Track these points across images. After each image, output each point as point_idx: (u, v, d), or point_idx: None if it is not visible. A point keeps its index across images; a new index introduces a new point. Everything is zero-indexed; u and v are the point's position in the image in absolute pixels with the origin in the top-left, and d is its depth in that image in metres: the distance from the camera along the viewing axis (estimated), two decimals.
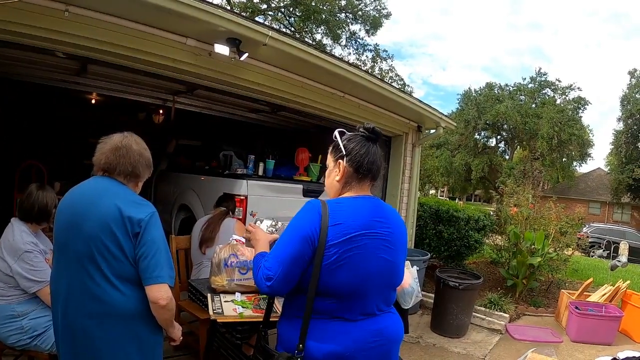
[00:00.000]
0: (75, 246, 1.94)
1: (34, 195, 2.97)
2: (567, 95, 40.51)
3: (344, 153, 1.91)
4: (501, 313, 6.31)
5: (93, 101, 8.21)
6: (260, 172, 6.22)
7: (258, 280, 1.84)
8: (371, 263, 1.81)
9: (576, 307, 5.99)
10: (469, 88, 47.75)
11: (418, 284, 3.58)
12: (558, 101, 40.25)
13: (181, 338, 2.29)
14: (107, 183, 2.07)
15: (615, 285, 6.64)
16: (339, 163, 1.92)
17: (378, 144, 1.98)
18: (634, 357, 3.16)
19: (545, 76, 41.98)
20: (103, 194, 2.00)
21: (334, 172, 1.95)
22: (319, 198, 1.91)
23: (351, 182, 1.92)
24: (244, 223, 5.22)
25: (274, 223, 2.48)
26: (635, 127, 37.90)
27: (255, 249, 2.07)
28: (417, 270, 4.36)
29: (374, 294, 1.85)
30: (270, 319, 2.19)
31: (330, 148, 2.00)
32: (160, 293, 1.95)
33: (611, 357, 3.25)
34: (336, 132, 1.96)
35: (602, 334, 5.82)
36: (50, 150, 8.70)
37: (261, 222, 2.47)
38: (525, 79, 44.50)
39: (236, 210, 4.91)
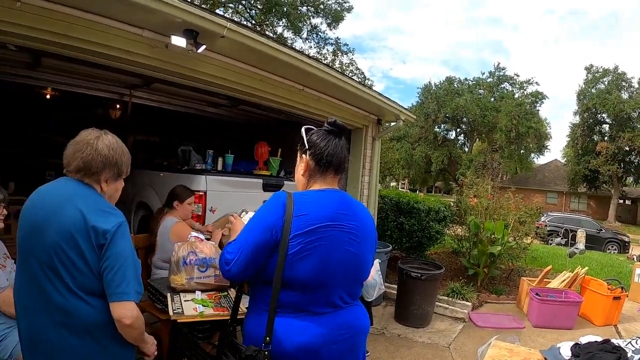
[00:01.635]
0: (39, 254, 1.80)
1: None
2: (525, 90, 41.64)
3: (307, 147, 1.95)
4: (464, 302, 6.41)
5: (48, 97, 7.95)
6: (220, 167, 6.12)
7: (219, 264, 1.88)
8: (336, 255, 1.83)
9: (537, 294, 6.13)
10: (429, 82, 48.63)
11: (381, 276, 3.59)
12: (516, 95, 41.30)
13: (155, 353, 2.14)
14: (74, 186, 1.91)
15: (574, 272, 6.83)
16: (303, 157, 1.97)
17: (342, 137, 2.01)
18: (595, 341, 3.22)
19: (503, 71, 43.11)
20: (68, 199, 1.85)
21: (300, 166, 2.00)
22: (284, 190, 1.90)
23: (315, 176, 1.95)
24: (203, 221, 5.13)
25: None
26: (590, 121, 39.36)
27: (230, 239, 2.06)
28: (380, 263, 4.40)
29: (339, 286, 1.86)
30: (238, 317, 2.16)
31: (299, 145, 2.03)
32: (125, 312, 1.81)
33: (573, 342, 3.31)
34: (302, 129, 2.00)
35: (562, 318, 5.99)
36: (3, 148, 8.37)
37: (246, 213, 2.46)
38: (484, 73, 45.50)
39: (195, 206, 4.77)
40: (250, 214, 2.37)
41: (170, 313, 2.64)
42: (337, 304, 1.88)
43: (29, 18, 3.16)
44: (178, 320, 2.62)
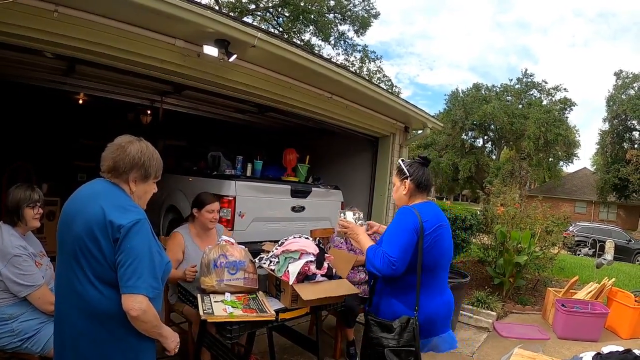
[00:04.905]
0: (67, 245, 1.96)
1: (9, 195, 2.96)
2: (553, 96, 40.99)
3: (408, 175, 2.75)
4: (488, 311, 6.37)
5: (80, 102, 8.16)
6: (249, 173, 6.22)
7: (384, 267, 2.51)
8: (445, 245, 2.69)
9: (562, 305, 6.06)
10: (456, 89, 48.28)
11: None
12: (544, 102, 40.66)
13: (176, 350, 2.19)
14: (103, 185, 2.06)
15: (601, 283, 6.72)
16: (405, 182, 2.76)
17: (428, 165, 2.85)
18: (617, 351, 3.21)
19: (531, 77, 42.46)
20: (94, 196, 1.99)
21: (401, 188, 2.78)
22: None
23: (415, 195, 2.76)
24: (232, 225, 5.22)
25: (355, 215, 3.04)
26: (620, 128, 38.32)
27: (361, 243, 2.84)
28: None
29: (448, 267, 2.83)
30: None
31: (395, 171, 2.89)
32: (132, 304, 1.88)
33: (595, 352, 3.30)
34: (399, 161, 2.85)
35: (588, 330, 5.90)
36: (38, 151, 8.61)
37: (344, 215, 3.02)
38: (512, 79, 44.95)
39: (219, 214, 4.78)
40: (349, 214, 3.03)
41: (201, 313, 2.71)
42: (447, 282, 2.83)
43: (65, 27, 3.31)
44: (208, 320, 2.69)
